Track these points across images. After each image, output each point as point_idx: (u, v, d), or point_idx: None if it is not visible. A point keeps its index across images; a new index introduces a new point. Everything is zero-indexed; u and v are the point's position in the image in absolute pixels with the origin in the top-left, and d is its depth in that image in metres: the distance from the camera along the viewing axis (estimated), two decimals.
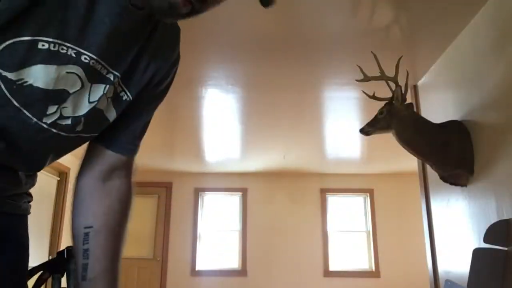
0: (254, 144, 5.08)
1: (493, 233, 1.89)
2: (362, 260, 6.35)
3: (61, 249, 0.88)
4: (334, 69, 2.96)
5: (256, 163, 5.95)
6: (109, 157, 0.81)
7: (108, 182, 0.81)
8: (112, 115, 0.75)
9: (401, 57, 2.29)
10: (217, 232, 6.47)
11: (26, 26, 0.59)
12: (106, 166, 0.81)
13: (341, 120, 4.10)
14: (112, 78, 0.71)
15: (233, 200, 6.63)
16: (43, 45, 0.61)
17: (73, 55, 0.64)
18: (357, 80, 2.41)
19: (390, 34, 2.45)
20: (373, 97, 2.42)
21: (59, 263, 0.85)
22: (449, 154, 2.24)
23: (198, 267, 6.20)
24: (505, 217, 1.91)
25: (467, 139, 2.24)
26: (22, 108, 0.64)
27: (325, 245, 6.34)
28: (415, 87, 3.05)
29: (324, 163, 5.97)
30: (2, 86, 0.61)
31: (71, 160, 4.65)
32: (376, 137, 2.63)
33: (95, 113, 0.71)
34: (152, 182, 6.34)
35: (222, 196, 6.66)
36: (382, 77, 2.27)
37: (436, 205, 2.74)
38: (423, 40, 2.51)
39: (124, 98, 0.75)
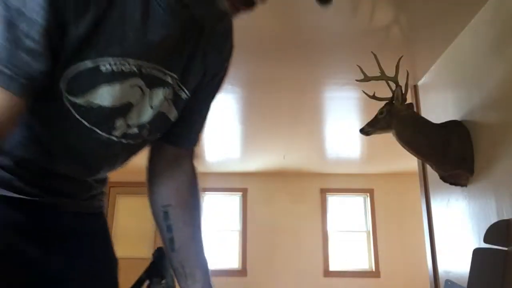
0: (254, 144, 5.08)
1: (493, 233, 1.89)
2: (362, 260, 6.35)
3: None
4: (334, 69, 2.96)
5: (256, 163, 5.95)
6: (174, 150, 0.87)
7: (176, 166, 0.88)
8: (173, 115, 0.77)
9: (401, 57, 2.29)
10: (217, 232, 6.47)
11: (88, 52, 0.60)
12: (171, 157, 0.88)
13: (341, 120, 4.10)
14: (170, 81, 0.72)
15: (233, 200, 6.63)
16: (105, 67, 0.62)
17: (135, 69, 0.66)
18: (357, 80, 2.41)
19: (390, 34, 2.45)
20: (373, 97, 2.43)
21: (156, 265, 0.91)
22: (449, 154, 2.24)
23: None
24: (505, 217, 1.91)
25: (467, 139, 2.24)
26: (93, 127, 0.68)
27: (325, 245, 6.34)
28: (415, 87, 3.05)
29: (324, 163, 5.97)
30: (73, 111, 0.64)
31: None
32: (376, 137, 2.63)
33: (158, 116, 0.74)
34: None
35: (222, 196, 6.66)
36: (382, 77, 2.28)
37: (436, 205, 2.74)
38: (423, 40, 2.51)
39: (183, 97, 0.77)
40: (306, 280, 6.15)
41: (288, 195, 6.52)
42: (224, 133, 4.55)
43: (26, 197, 0.71)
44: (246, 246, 6.30)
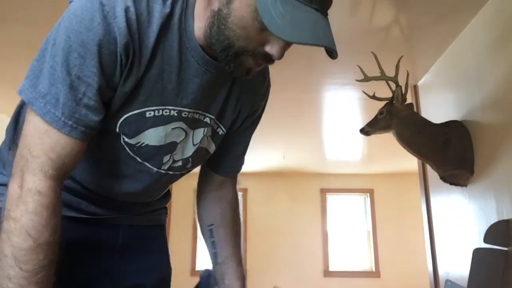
0: (254, 144, 5.07)
1: (493, 233, 1.89)
2: (362, 260, 6.35)
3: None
4: (334, 69, 2.96)
5: (256, 163, 5.95)
6: (218, 177, 1.02)
7: (219, 191, 1.03)
8: (212, 148, 0.91)
9: (401, 57, 2.29)
10: None
11: (134, 103, 0.74)
12: (216, 183, 1.02)
13: (341, 120, 4.10)
14: (208, 121, 0.85)
15: None
16: (149, 113, 0.76)
17: (175, 114, 0.78)
18: (357, 80, 2.41)
19: (390, 34, 2.45)
20: (373, 97, 2.43)
21: (203, 285, 1.04)
22: (449, 154, 2.24)
23: (198, 267, 6.20)
24: (505, 217, 1.91)
25: (467, 139, 2.24)
26: (144, 162, 0.82)
27: (325, 245, 6.34)
28: (415, 87, 3.05)
29: (324, 163, 5.97)
30: (127, 149, 0.79)
31: None
32: (376, 137, 2.63)
33: (199, 151, 0.87)
34: None
35: None
36: (382, 77, 2.28)
37: (436, 205, 2.74)
38: (423, 40, 2.51)
39: (220, 133, 0.89)
40: (306, 280, 6.15)
41: (288, 195, 6.52)
42: None
43: (90, 216, 0.86)
44: (246, 246, 6.30)
